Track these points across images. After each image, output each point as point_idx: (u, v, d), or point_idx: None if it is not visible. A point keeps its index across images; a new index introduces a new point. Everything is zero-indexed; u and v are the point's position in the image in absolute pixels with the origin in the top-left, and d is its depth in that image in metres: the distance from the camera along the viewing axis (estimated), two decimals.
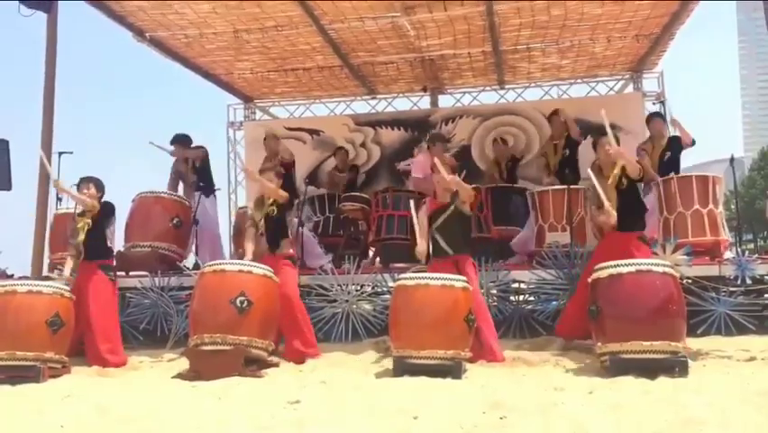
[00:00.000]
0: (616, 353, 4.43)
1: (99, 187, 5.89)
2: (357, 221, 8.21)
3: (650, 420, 3.22)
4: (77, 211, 5.91)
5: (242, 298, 4.98)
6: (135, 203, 7.23)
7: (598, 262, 4.90)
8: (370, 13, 8.05)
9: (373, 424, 3.36)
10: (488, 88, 11.07)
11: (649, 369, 4.28)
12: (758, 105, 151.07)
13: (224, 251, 8.45)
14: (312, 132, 11.06)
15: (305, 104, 11.54)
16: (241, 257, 6.12)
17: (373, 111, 11.33)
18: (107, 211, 5.94)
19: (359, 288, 6.64)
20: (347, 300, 6.44)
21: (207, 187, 8.09)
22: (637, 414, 3.35)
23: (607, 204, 5.04)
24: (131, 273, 7.11)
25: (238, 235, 7.68)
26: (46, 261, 7.26)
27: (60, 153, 7.57)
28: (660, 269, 4.58)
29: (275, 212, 5.77)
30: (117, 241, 7.17)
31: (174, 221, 7.11)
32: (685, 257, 5.64)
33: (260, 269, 5.25)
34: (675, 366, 4.32)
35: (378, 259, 7.69)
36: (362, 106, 11.44)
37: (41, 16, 7.24)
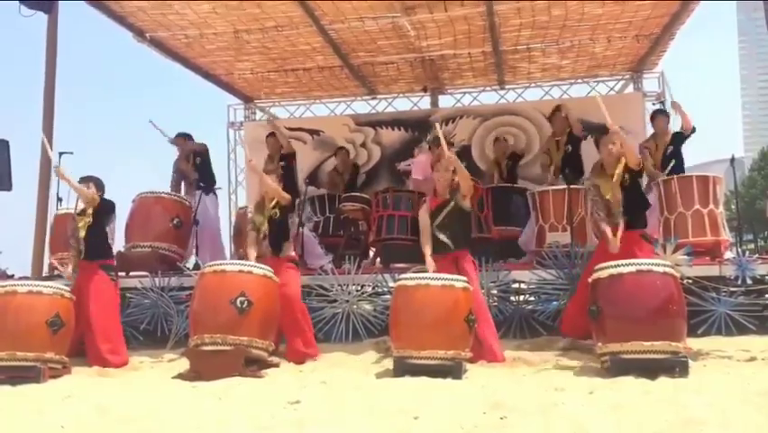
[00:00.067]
0: (616, 353, 4.43)
1: (99, 186, 5.89)
2: (357, 221, 8.21)
3: (650, 421, 3.22)
4: (77, 210, 5.92)
5: (243, 298, 4.98)
6: (136, 203, 7.23)
7: (600, 261, 4.91)
8: (371, 13, 8.06)
9: (374, 424, 3.36)
10: (488, 89, 11.08)
11: (649, 369, 4.28)
12: (758, 105, 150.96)
13: (225, 251, 8.45)
14: (312, 132, 11.06)
15: (305, 104, 11.54)
16: (241, 258, 6.12)
17: (373, 111, 11.33)
18: (107, 208, 5.94)
19: (359, 288, 6.64)
20: (347, 301, 6.44)
21: (208, 185, 8.08)
22: (638, 414, 3.34)
23: (610, 236, 5.05)
24: (131, 274, 7.11)
25: (238, 236, 7.69)
26: (46, 261, 7.26)
27: (61, 154, 7.53)
28: (660, 269, 4.58)
29: (277, 215, 5.76)
30: (118, 241, 7.18)
31: (174, 221, 7.11)
32: (686, 257, 5.64)
33: (261, 269, 5.25)
34: (676, 366, 4.32)
35: (378, 259, 7.69)
36: (363, 107, 11.47)
37: (41, 17, 7.24)
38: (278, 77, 10.37)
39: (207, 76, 10.35)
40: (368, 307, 6.55)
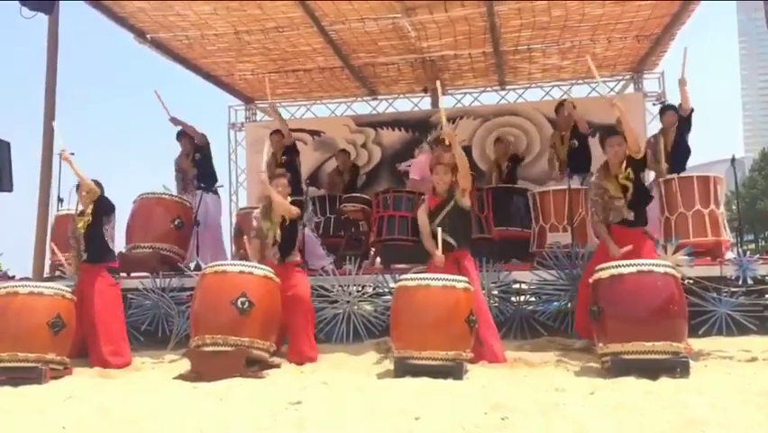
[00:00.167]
0: (617, 353, 4.43)
1: (98, 186, 5.88)
2: (358, 222, 8.21)
3: (651, 421, 3.22)
4: (77, 211, 5.92)
5: (244, 299, 4.98)
6: (137, 204, 7.23)
7: (601, 261, 4.91)
8: (371, 14, 8.06)
9: (374, 425, 3.36)
10: (488, 89, 11.09)
11: (650, 370, 4.28)
12: (759, 105, 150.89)
13: (226, 252, 8.44)
14: (313, 133, 11.07)
15: (306, 105, 11.55)
16: (242, 259, 6.12)
17: (374, 112, 11.35)
18: (107, 207, 5.91)
19: (360, 289, 6.64)
20: (348, 301, 6.44)
21: (208, 184, 8.01)
22: (639, 415, 3.34)
23: (611, 243, 5.10)
24: (132, 274, 7.12)
25: (239, 236, 7.67)
26: (47, 262, 7.27)
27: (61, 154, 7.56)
28: (661, 269, 4.58)
29: (287, 222, 5.76)
30: (118, 242, 7.18)
31: (175, 222, 7.11)
32: (686, 257, 5.65)
33: (261, 270, 5.25)
34: (677, 367, 4.32)
35: (378, 259, 7.69)
36: (363, 107, 11.48)
37: (42, 18, 7.24)
38: (278, 77, 10.37)
39: (208, 77, 10.36)
40: (368, 307, 6.55)
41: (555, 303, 6.21)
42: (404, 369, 4.65)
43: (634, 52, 9.64)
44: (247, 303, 4.97)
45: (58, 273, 6.99)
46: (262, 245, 5.76)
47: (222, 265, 5.33)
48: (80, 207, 5.92)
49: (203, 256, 7.38)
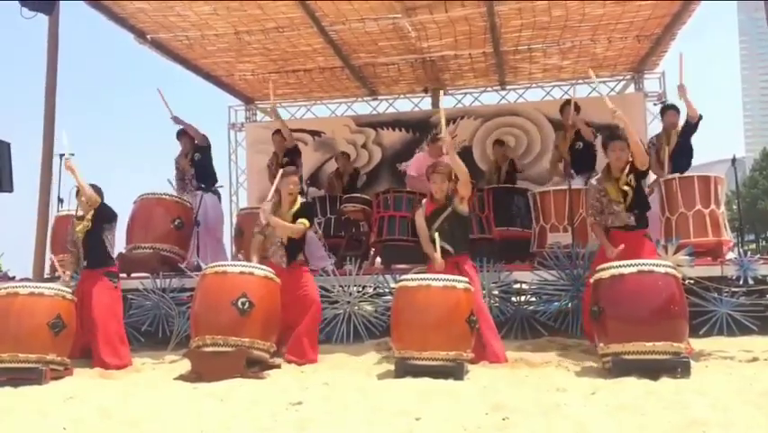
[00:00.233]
0: (618, 354, 4.42)
1: (97, 192, 5.87)
2: (358, 222, 8.21)
3: (652, 421, 3.21)
4: (77, 215, 5.91)
5: (244, 299, 4.97)
6: (137, 204, 7.23)
7: (603, 262, 4.91)
8: (371, 14, 8.06)
9: (375, 425, 3.36)
10: (489, 89, 11.10)
11: (651, 370, 4.27)
12: (759, 105, 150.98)
13: (227, 252, 8.44)
14: (313, 133, 11.07)
15: (306, 105, 11.55)
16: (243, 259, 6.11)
17: (374, 112, 11.35)
18: (107, 214, 5.89)
19: (360, 289, 6.63)
20: (349, 302, 6.44)
21: (207, 184, 7.99)
22: (640, 415, 3.34)
23: (607, 243, 5.12)
24: (132, 275, 7.11)
25: (239, 237, 7.67)
26: (48, 263, 7.26)
27: (62, 155, 7.56)
28: (662, 269, 4.57)
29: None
30: (119, 242, 7.17)
31: (176, 222, 7.10)
32: (687, 258, 5.65)
33: (262, 270, 5.24)
34: (678, 367, 4.31)
35: (379, 260, 7.69)
36: (363, 108, 11.49)
37: (42, 18, 7.24)
38: (279, 78, 10.38)
39: (208, 77, 10.36)
40: (369, 308, 6.55)
41: (556, 303, 6.21)
42: (404, 369, 4.64)
43: (634, 52, 9.64)
44: (247, 304, 4.97)
45: (58, 274, 6.98)
46: (265, 242, 5.73)
47: (222, 266, 5.32)
48: (80, 211, 5.90)
49: (203, 257, 7.37)
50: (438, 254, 5.18)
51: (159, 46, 8.92)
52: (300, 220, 5.64)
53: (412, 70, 10.21)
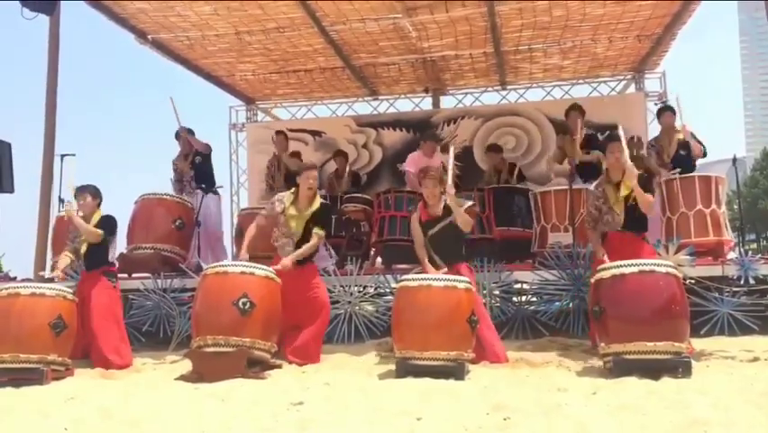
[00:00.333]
0: (619, 353, 4.42)
1: (95, 195, 5.87)
2: (359, 222, 8.20)
3: (654, 421, 3.21)
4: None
5: (245, 299, 4.97)
6: (138, 205, 7.22)
7: (601, 262, 4.90)
8: (372, 14, 8.07)
9: (376, 425, 3.36)
10: (489, 89, 11.10)
11: (652, 370, 4.27)
12: (760, 105, 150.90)
13: (227, 252, 8.44)
14: (314, 133, 11.08)
15: (306, 105, 11.56)
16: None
17: (375, 112, 11.35)
18: (110, 226, 5.87)
19: (361, 289, 6.62)
20: (350, 302, 6.44)
21: (207, 186, 7.98)
22: (641, 415, 3.34)
23: (601, 253, 5.13)
24: (133, 275, 7.11)
25: (240, 237, 7.67)
26: (48, 263, 7.27)
27: (63, 156, 7.57)
28: (663, 269, 4.57)
29: (313, 223, 5.73)
30: (119, 243, 7.17)
31: (176, 222, 7.10)
32: (688, 257, 5.64)
33: (263, 270, 5.24)
34: (679, 367, 4.31)
35: (379, 260, 7.68)
36: (364, 108, 11.49)
37: (43, 19, 7.25)
38: (279, 78, 10.39)
39: (209, 77, 10.37)
40: (370, 308, 6.54)
41: (557, 303, 6.21)
42: (405, 369, 4.64)
43: (635, 52, 9.64)
44: (248, 304, 4.97)
45: (52, 275, 6.98)
46: (269, 229, 5.72)
47: (223, 266, 5.32)
48: (80, 213, 5.89)
49: (204, 257, 7.38)
50: (428, 265, 5.26)
51: (159, 46, 8.92)
52: (315, 231, 5.67)
53: (413, 70, 10.22)
